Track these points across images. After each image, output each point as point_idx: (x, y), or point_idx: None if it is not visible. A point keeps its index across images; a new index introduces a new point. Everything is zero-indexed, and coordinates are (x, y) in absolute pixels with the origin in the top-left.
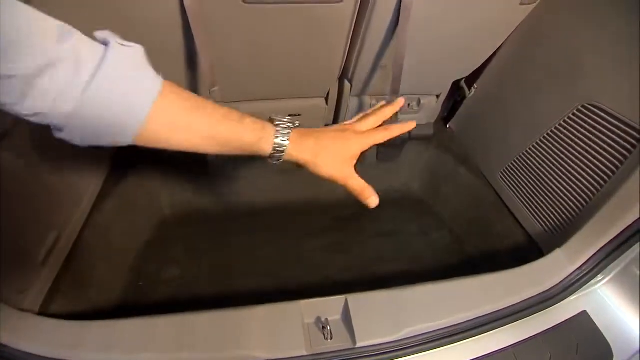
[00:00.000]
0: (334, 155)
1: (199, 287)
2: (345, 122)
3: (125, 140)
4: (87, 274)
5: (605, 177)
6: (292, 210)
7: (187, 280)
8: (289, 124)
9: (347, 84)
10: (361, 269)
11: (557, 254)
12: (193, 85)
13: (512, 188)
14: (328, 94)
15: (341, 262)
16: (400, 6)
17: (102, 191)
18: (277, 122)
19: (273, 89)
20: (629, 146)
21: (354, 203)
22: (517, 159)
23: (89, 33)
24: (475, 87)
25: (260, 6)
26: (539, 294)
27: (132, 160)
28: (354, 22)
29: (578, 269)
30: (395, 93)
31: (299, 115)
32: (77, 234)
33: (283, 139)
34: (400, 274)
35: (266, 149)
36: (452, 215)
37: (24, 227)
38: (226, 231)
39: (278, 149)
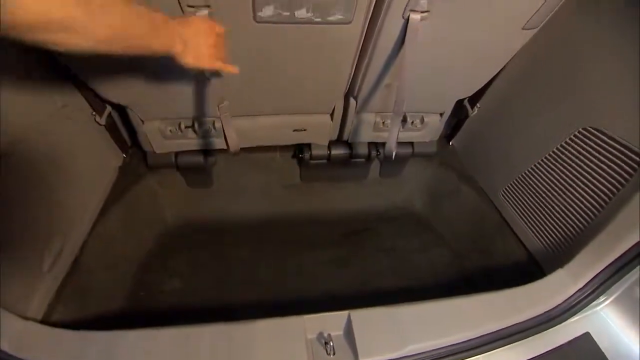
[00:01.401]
0: (203, 52)
1: (200, 298)
2: None
3: None
4: (90, 282)
5: (606, 199)
6: (294, 223)
7: (188, 292)
8: None
9: (352, 101)
10: (362, 284)
11: (560, 274)
12: (202, 99)
13: (514, 206)
14: (333, 110)
15: (342, 277)
16: (406, 28)
17: (107, 201)
18: None
19: (280, 104)
20: (629, 169)
21: (356, 219)
22: (519, 178)
23: None
24: (478, 106)
25: (271, 25)
26: (542, 313)
27: (138, 171)
28: (362, 42)
29: (580, 289)
30: (398, 112)
31: (304, 130)
32: (82, 243)
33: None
34: (401, 289)
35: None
36: (453, 232)
37: (29, 235)
38: (229, 243)
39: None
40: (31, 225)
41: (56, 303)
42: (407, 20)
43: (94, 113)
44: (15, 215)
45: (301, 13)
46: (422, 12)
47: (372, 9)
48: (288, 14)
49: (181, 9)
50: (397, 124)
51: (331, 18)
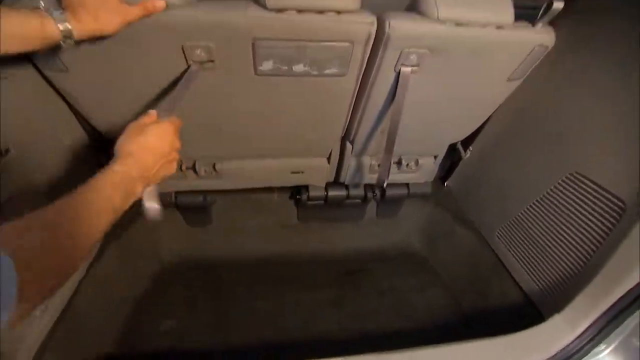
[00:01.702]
0: (107, 7)
1: (195, 339)
2: None
3: None
4: (82, 325)
5: (597, 244)
6: (291, 263)
7: (183, 332)
8: (53, 7)
9: (348, 145)
10: (358, 325)
11: (557, 320)
12: (204, 143)
13: (510, 248)
14: (330, 153)
15: (338, 318)
16: (398, 81)
17: (104, 239)
18: (42, 6)
19: (278, 148)
20: (615, 214)
21: (353, 259)
22: (514, 220)
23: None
24: (471, 149)
25: (270, 77)
26: None
27: (137, 209)
28: (356, 91)
29: (578, 337)
30: (389, 152)
31: (302, 172)
32: (77, 285)
33: (64, 24)
34: (398, 331)
35: (55, 33)
36: (450, 273)
37: None
38: (226, 282)
39: (66, 33)
40: None
41: (46, 347)
42: (399, 73)
43: (97, 151)
44: None
45: (299, 68)
46: (413, 66)
47: (365, 63)
48: (286, 68)
49: (187, 63)
50: (388, 160)
51: (327, 72)
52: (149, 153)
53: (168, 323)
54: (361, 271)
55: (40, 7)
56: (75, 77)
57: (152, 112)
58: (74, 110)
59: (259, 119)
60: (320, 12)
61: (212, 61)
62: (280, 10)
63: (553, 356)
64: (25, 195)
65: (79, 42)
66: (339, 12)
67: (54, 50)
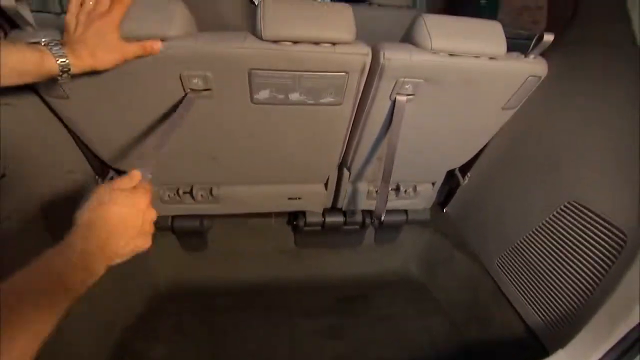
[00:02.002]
0: (106, 44)
1: None
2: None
3: None
4: (72, 348)
5: (600, 276)
6: (288, 289)
7: (174, 359)
8: (54, 42)
9: (345, 171)
10: (357, 356)
11: (561, 356)
12: (201, 169)
13: (510, 277)
14: (327, 180)
15: (335, 349)
16: (393, 109)
17: None
18: (42, 42)
19: (275, 174)
20: (616, 245)
21: (351, 285)
22: (513, 248)
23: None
24: (469, 175)
25: (266, 105)
26: None
27: None
28: (352, 120)
29: None
30: (386, 181)
31: (299, 198)
32: (69, 308)
33: (63, 59)
34: None
35: (53, 68)
36: (450, 301)
37: None
38: (220, 308)
39: (64, 68)
40: None
41: None
42: (394, 101)
43: (97, 177)
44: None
45: (294, 96)
46: (408, 95)
47: (360, 92)
48: (282, 97)
49: (184, 91)
50: (386, 188)
51: (323, 100)
52: (114, 226)
53: (159, 349)
54: (359, 298)
55: (41, 42)
56: (75, 104)
57: (135, 174)
58: (74, 136)
59: (256, 146)
60: (316, 43)
61: (209, 90)
62: (276, 42)
63: None
64: (22, 221)
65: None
66: (334, 44)
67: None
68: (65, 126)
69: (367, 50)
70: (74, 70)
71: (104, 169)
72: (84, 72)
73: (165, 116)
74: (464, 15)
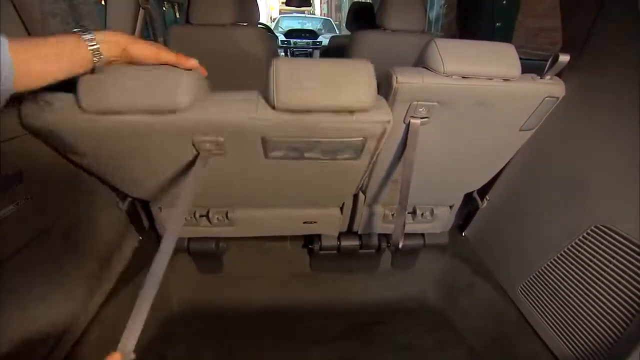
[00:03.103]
0: (142, 42)
1: None
2: None
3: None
4: None
5: (636, 305)
6: (302, 313)
7: None
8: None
9: (361, 195)
10: None
11: None
12: (217, 195)
13: (535, 305)
14: (343, 204)
15: None
16: (408, 131)
17: (116, 284)
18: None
19: (291, 200)
20: None
21: (367, 311)
22: (537, 274)
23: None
24: (488, 198)
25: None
26: None
27: (151, 255)
28: (370, 165)
29: None
30: (403, 206)
31: (314, 222)
32: (84, 329)
33: (93, 44)
34: None
35: (87, 54)
36: (471, 330)
37: (32, 320)
38: (233, 332)
39: (95, 52)
40: (35, 313)
41: None
42: (408, 125)
43: (117, 200)
44: (18, 305)
45: (310, 154)
46: (422, 117)
47: (379, 148)
48: (297, 155)
49: (197, 152)
50: (403, 216)
51: (339, 157)
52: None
53: None
54: (376, 324)
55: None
56: (94, 160)
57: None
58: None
59: (271, 186)
60: (333, 112)
61: (221, 151)
62: (290, 111)
63: None
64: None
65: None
66: (352, 112)
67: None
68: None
69: (388, 116)
70: (106, 54)
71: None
72: (115, 60)
73: (183, 170)
74: (479, 38)
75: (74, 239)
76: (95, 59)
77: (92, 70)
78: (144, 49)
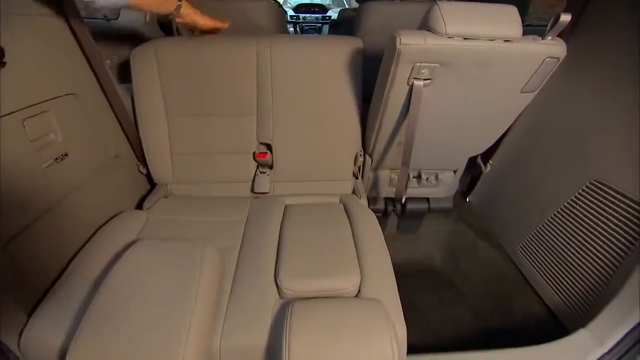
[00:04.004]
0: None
1: None
2: None
3: None
4: None
5: (622, 254)
6: None
7: None
8: None
9: (368, 158)
10: None
11: (583, 334)
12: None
13: (532, 262)
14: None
15: None
16: (411, 93)
17: None
18: None
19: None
20: (638, 222)
21: None
22: (535, 232)
23: None
24: (491, 163)
25: None
26: None
27: None
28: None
29: (607, 352)
30: (406, 163)
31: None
32: None
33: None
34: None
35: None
36: (473, 290)
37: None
38: None
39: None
40: None
41: None
42: (412, 86)
43: (138, 163)
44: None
45: None
46: (425, 79)
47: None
48: None
49: None
50: (406, 172)
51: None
52: None
53: None
54: None
55: None
56: None
57: None
58: (123, 126)
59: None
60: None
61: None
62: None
63: None
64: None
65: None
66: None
67: None
68: (117, 117)
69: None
70: (182, 10)
71: (143, 157)
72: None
73: None
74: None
75: (99, 205)
76: (174, 9)
77: (169, 16)
78: (202, 19)
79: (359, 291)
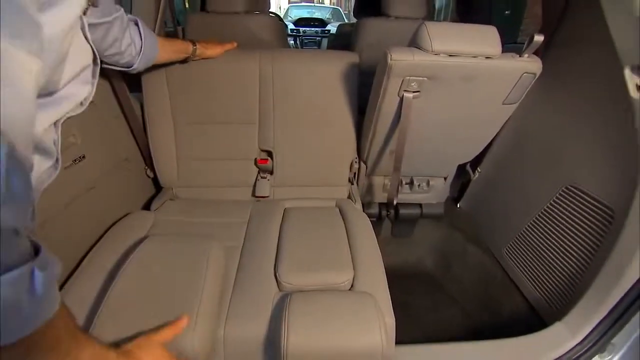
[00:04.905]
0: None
1: None
2: None
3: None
4: None
5: (592, 251)
6: None
7: None
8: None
9: (362, 165)
10: None
11: (558, 327)
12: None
13: (517, 263)
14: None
15: None
16: (402, 104)
17: None
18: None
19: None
20: (606, 222)
21: None
22: (519, 235)
23: None
24: (479, 170)
25: None
26: None
27: None
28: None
29: (579, 343)
30: (397, 170)
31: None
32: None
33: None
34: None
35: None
36: (463, 293)
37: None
38: None
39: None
40: None
41: None
42: (402, 98)
43: (146, 167)
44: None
45: None
46: (414, 92)
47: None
48: None
49: None
50: (397, 177)
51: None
52: None
53: None
54: None
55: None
56: None
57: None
58: (133, 133)
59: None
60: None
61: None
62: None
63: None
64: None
65: None
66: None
67: None
68: (128, 123)
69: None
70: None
71: (151, 160)
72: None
73: None
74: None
75: (108, 206)
76: (191, 52)
77: (187, 59)
78: (214, 51)
79: (352, 285)
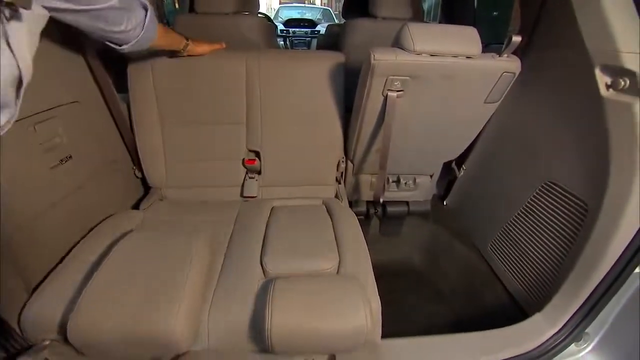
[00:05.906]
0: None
1: None
2: None
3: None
4: None
5: (569, 243)
6: None
7: None
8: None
9: (349, 163)
10: None
11: (537, 318)
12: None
13: (500, 258)
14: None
15: None
16: (386, 103)
17: None
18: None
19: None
20: (580, 216)
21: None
22: (502, 230)
23: None
24: (464, 168)
25: None
26: (517, 355)
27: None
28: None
29: (557, 332)
30: (383, 167)
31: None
32: None
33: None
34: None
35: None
36: (449, 289)
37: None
38: None
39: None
40: None
41: None
42: (386, 97)
43: (134, 167)
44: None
45: None
46: (398, 91)
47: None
48: None
49: None
50: (383, 174)
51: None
52: None
53: None
54: None
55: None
56: None
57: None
58: (122, 134)
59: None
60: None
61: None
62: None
63: (530, 351)
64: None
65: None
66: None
67: None
68: (116, 124)
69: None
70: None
71: (138, 162)
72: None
73: None
74: (461, 23)
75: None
76: (182, 47)
77: (177, 53)
78: (203, 49)
79: (337, 272)
